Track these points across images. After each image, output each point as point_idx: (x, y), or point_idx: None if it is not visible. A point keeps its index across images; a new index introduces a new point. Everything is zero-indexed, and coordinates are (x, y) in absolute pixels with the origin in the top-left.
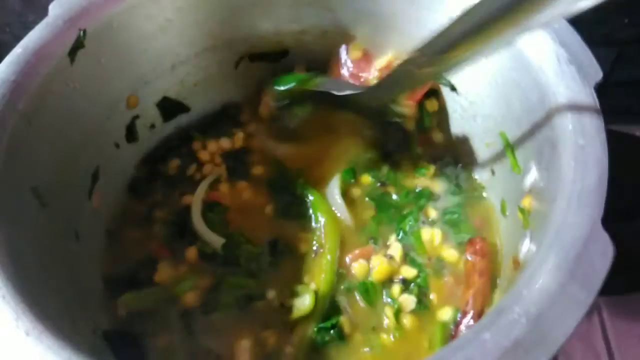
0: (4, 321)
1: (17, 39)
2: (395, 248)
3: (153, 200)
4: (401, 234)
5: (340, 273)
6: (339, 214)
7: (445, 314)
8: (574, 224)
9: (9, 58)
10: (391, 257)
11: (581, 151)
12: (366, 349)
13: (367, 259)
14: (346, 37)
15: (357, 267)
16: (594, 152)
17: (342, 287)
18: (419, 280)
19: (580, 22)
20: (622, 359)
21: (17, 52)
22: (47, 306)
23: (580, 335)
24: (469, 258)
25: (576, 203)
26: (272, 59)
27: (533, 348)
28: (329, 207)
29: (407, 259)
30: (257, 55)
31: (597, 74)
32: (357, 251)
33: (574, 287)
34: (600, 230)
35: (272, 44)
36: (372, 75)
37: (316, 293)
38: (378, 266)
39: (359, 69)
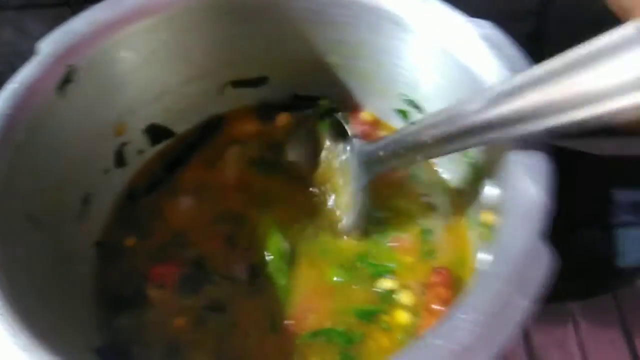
0: (2, 337)
1: (12, 67)
2: None
3: (142, 222)
4: None
5: None
6: None
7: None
8: (519, 238)
9: (5, 93)
10: None
11: (529, 169)
12: None
13: None
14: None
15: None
16: (541, 170)
17: None
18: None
19: (555, 41)
20: None
21: (13, 87)
22: (43, 324)
23: (557, 342)
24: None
25: (521, 218)
26: (254, 84)
27: (479, 351)
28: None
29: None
30: (239, 82)
31: None
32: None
33: (517, 295)
34: (542, 243)
35: (253, 71)
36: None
37: None
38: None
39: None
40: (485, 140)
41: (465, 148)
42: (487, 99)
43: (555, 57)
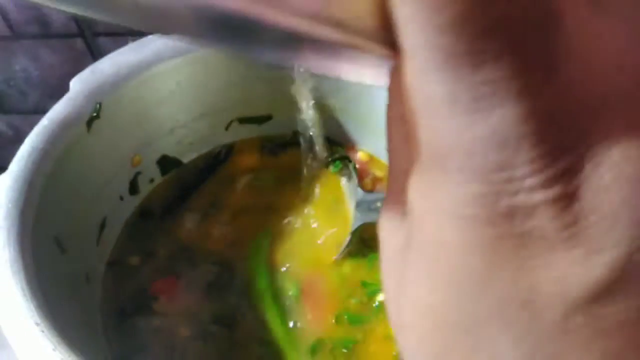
0: (45, 351)
1: (23, 92)
2: None
3: (148, 243)
4: None
5: None
6: None
7: None
8: None
9: (37, 129)
10: None
11: None
12: None
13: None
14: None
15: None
16: None
17: None
18: None
19: None
20: None
21: (44, 123)
22: (73, 337)
23: None
24: None
25: None
26: (259, 121)
27: None
28: None
29: None
30: (245, 119)
31: None
32: None
33: None
34: None
35: (260, 110)
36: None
37: None
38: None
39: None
40: None
41: None
42: None
43: None
